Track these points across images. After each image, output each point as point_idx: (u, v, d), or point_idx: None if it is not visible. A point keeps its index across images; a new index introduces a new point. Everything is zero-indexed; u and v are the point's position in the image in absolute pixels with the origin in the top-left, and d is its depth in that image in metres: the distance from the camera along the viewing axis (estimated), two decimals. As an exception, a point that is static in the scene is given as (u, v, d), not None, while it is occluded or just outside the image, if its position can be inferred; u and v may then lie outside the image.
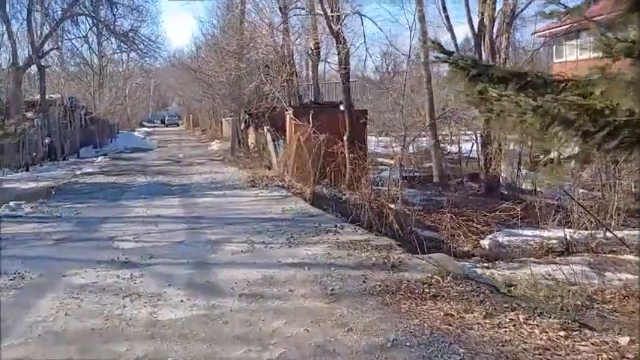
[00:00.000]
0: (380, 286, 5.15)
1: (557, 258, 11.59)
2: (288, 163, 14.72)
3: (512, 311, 4.43)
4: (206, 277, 5.91)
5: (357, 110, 15.82)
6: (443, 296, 4.78)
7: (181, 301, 5.17)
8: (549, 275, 10.07)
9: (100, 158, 23.46)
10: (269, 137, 16.64)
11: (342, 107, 15.41)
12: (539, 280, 7.59)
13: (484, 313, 4.34)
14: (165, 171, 17.56)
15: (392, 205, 13.68)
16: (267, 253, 6.77)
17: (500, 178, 15.87)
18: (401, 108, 14.72)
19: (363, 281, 5.35)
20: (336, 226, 8.11)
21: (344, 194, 13.54)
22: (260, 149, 18.01)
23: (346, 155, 14.24)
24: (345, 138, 14.36)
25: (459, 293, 4.85)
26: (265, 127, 17.27)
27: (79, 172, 18.09)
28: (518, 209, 13.35)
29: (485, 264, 11.21)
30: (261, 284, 5.50)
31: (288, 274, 5.79)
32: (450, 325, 4.17)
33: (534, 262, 11.42)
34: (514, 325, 4.16)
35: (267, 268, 6.08)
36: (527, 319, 4.26)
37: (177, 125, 65.51)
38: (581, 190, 13.66)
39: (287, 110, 16.26)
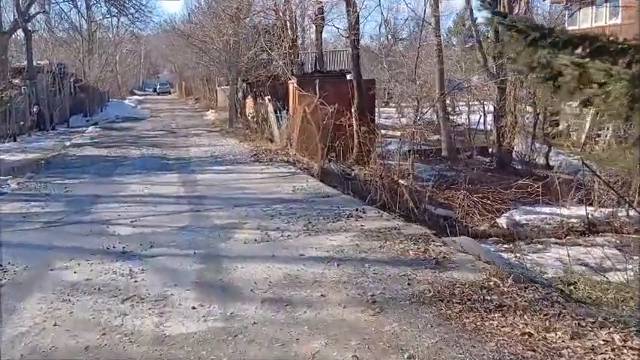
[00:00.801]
0: (430, 290, 4.30)
1: (581, 239, 10.86)
2: (293, 136, 13.77)
3: (602, 328, 3.60)
4: (219, 274, 5.03)
5: (365, 80, 14.84)
6: (510, 307, 3.94)
7: (192, 307, 4.29)
8: (579, 260, 9.33)
9: (90, 128, 22.35)
10: (270, 108, 15.64)
11: (348, 77, 14.45)
12: (591, 276, 6.81)
13: (570, 332, 3.50)
14: (160, 143, 16.54)
15: (402, 181, 12.86)
16: (285, 243, 5.90)
17: (514, 152, 15.04)
18: (414, 77, 13.77)
19: (408, 283, 4.49)
20: (357, 210, 7.23)
21: (353, 170, 12.66)
22: (260, 120, 17.02)
23: (354, 128, 13.34)
24: (353, 110, 13.43)
25: (527, 302, 4.01)
26: (266, 98, 16.26)
27: (68, 144, 17.04)
28: (536, 186, 12.60)
29: (506, 245, 10.47)
30: (286, 286, 4.63)
31: (316, 271, 4.93)
32: (534, 350, 3.33)
33: (557, 244, 10.68)
34: (612, 350, 3.33)
35: (289, 263, 5.21)
36: (624, 341, 3.43)
37: (170, 94, 63.92)
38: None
39: (290, 79, 15.25)
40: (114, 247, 6.10)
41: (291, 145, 13.99)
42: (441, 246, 5.49)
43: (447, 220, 11.86)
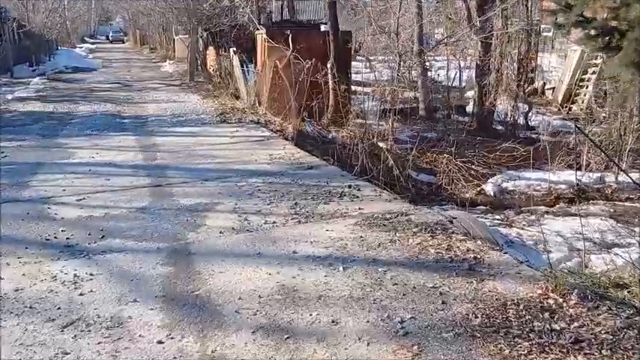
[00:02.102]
0: (475, 314, 3.24)
1: (573, 207, 10.06)
2: (262, 93, 12.40)
3: None
4: (191, 283, 3.85)
5: (341, 32, 13.43)
6: (591, 342, 2.91)
7: (159, 342, 3.12)
8: (578, 234, 8.51)
9: (36, 79, 20.27)
10: (236, 61, 14.13)
11: (323, 28, 13.04)
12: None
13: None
14: (114, 98, 14.85)
15: (382, 144, 11.77)
16: (271, 234, 4.72)
17: (495, 112, 14.07)
18: (396, 29, 12.48)
19: (442, 301, 3.42)
20: (350, 187, 6.07)
21: (329, 132, 11.45)
22: (224, 75, 15.48)
23: (330, 86, 12.06)
24: (329, 65, 12.10)
25: (610, 334, 3.00)
26: (231, 50, 14.71)
27: (10, 97, 15.17)
28: (522, 150, 11.71)
29: (497, 216, 9.59)
30: (282, 303, 3.49)
31: (318, 279, 3.80)
32: None
33: (548, 213, 9.87)
34: None
35: (281, 264, 4.06)
36: None
37: (123, 42, 60.41)
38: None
39: (258, 29, 13.71)
40: (55, 238, 4.83)
41: (259, 103, 12.64)
42: (465, 239, 4.42)
43: (431, 187, 10.91)
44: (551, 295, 3.40)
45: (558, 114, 16.77)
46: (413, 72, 15.30)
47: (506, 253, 4.22)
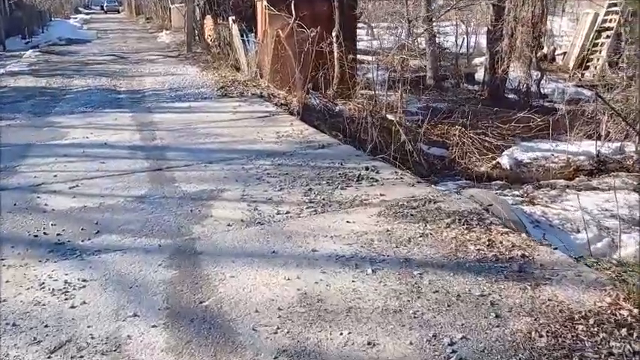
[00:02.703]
0: (539, 333, 2.71)
1: (594, 180, 9.52)
2: (264, 64, 11.72)
3: None
4: (198, 292, 3.31)
5: (346, -2, 12.66)
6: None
7: (165, 373, 2.61)
8: (605, 210, 8.00)
9: (29, 52, 19.48)
10: (235, 30, 13.38)
11: (326, -6, 12.27)
12: None
13: None
14: (109, 71, 14.14)
15: (390, 116, 11.17)
16: (285, 228, 4.18)
17: (508, 80, 13.39)
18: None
19: (495, 315, 2.89)
20: (367, 168, 5.50)
21: (336, 104, 10.82)
22: (223, 45, 14.74)
23: (335, 56, 11.37)
24: (334, 34, 11.40)
25: None
26: (230, 18, 13.94)
27: (2, 71, 14.47)
28: (539, 120, 11.12)
29: (516, 191, 9.05)
30: (306, 318, 2.97)
31: (345, 286, 3.26)
32: None
33: (569, 187, 9.33)
34: None
35: (300, 267, 3.52)
36: None
37: (118, 12, 58.89)
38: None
39: (258, -4, 12.93)
40: (45, 234, 4.29)
41: (261, 75, 11.96)
42: (507, 232, 3.88)
43: (444, 161, 10.35)
44: (624, 304, 2.88)
45: (571, 80, 16.08)
46: (419, 39, 14.59)
47: (556, 248, 3.67)
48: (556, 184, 9.41)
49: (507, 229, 3.92)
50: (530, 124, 11.03)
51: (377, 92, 12.15)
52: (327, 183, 5.15)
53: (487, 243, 3.70)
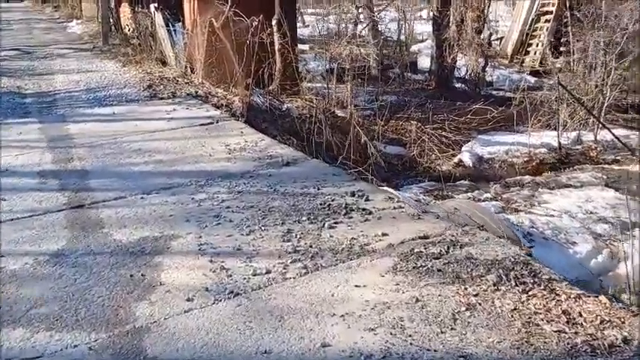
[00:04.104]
0: None
1: (563, 176, 8.86)
2: (195, 58, 10.22)
3: None
4: None
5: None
6: None
7: None
8: (590, 213, 7.28)
9: None
10: (159, 20, 11.73)
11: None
12: None
13: None
14: (11, 69, 12.04)
15: (340, 113, 10.09)
16: (271, 301, 2.93)
17: (456, 69, 12.60)
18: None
19: None
20: (353, 194, 4.31)
21: (282, 102, 9.55)
22: (144, 35, 13.00)
23: (277, 47, 10.08)
24: (274, 23, 10.08)
25: None
26: (152, 5, 12.23)
27: None
28: (497, 112, 10.41)
29: (486, 193, 8.24)
30: None
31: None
32: None
33: (539, 183, 8.62)
34: None
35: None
36: None
37: (22, 1, 54.07)
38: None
39: (183, -19, 11.35)
40: None
41: (192, 70, 10.47)
42: (580, 296, 2.82)
43: (403, 160, 9.39)
44: None
45: (511, 66, 15.60)
46: (359, 26, 13.51)
47: None
48: (523, 180, 8.69)
49: (576, 290, 2.87)
50: (488, 115, 10.28)
51: (317, 85, 11.02)
52: (308, 219, 3.93)
53: (565, 319, 2.63)
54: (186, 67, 10.51)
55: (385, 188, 5.63)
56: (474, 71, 11.86)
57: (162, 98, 8.25)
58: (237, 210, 4.15)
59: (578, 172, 8.86)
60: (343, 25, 13.04)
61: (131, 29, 14.98)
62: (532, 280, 2.95)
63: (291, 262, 3.34)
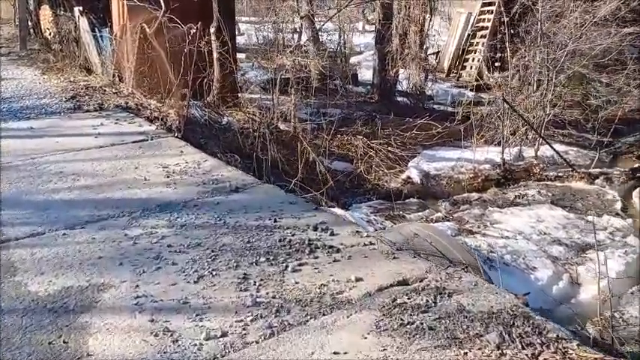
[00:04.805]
0: None
1: (510, 193, 8.73)
2: (124, 66, 9.38)
3: None
4: None
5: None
6: None
7: None
8: (543, 235, 7.12)
9: None
10: (84, 24, 10.76)
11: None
12: None
13: None
14: None
15: (283, 126, 9.58)
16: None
17: (399, 83, 12.36)
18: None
19: None
20: (315, 228, 3.76)
21: (222, 115, 8.90)
22: (67, 41, 11.93)
23: (215, 56, 9.45)
24: (212, 30, 9.44)
25: None
26: (76, 9, 11.22)
27: None
28: (442, 127, 10.21)
29: (438, 212, 7.96)
30: None
31: None
32: None
33: (486, 201, 8.45)
34: None
35: None
36: None
37: None
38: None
39: (110, -17, 10.46)
40: None
41: (121, 79, 9.62)
42: (595, 357, 2.41)
43: (350, 177, 8.95)
44: None
45: (448, 80, 15.60)
46: (304, 36, 13.03)
47: None
48: (470, 198, 8.48)
49: (592, 353, 2.46)
50: (433, 131, 10.06)
51: (264, 97, 10.46)
52: (267, 260, 3.34)
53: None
54: (114, 75, 9.62)
55: (349, 218, 5.16)
56: (416, 85, 11.62)
57: (87, 110, 7.39)
58: (181, 249, 3.51)
59: (524, 189, 8.76)
60: (282, 35, 12.51)
61: (52, 34, 13.78)
62: (539, 340, 2.51)
63: (251, 320, 2.75)
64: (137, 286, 3.10)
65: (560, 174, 9.32)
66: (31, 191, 4.56)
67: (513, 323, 2.62)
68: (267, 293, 2.98)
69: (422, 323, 2.65)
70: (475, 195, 8.62)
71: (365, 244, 3.55)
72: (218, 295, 2.98)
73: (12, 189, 4.62)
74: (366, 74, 14.25)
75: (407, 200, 8.32)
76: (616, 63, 9.79)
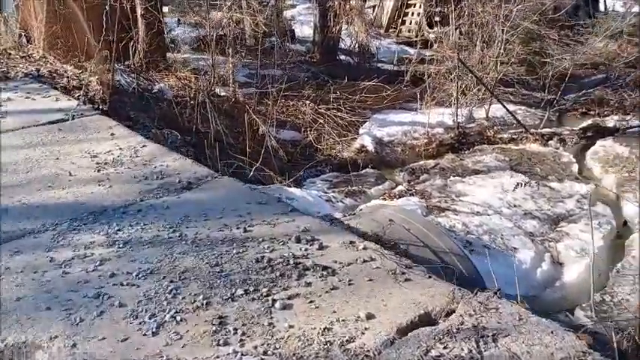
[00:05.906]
0: None
1: (467, 159, 8.27)
2: (32, 24, 7.96)
3: None
4: None
5: None
6: None
7: None
8: (515, 207, 6.70)
9: None
10: (-22, -27, 9.10)
11: None
12: None
13: None
14: None
15: (222, 91, 8.64)
16: None
17: (341, 40, 11.51)
18: None
19: None
20: (299, 240, 2.99)
21: (152, 82, 7.76)
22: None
23: (138, 11, 8.23)
24: (135, -20, 8.16)
25: None
26: (-33, -45, 9.49)
27: None
28: (392, 89, 9.59)
29: (401, 187, 7.35)
30: None
31: None
32: None
33: (445, 169, 7.96)
34: None
35: None
36: None
37: None
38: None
39: None
40: None
41: (28, 40, 8.22)
42: None
43: (298, 147, 8.17)
44: None
45: (387, 36, 14.89)
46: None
47: None
48: (427, 165, 7.94)
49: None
50: (384, 93, 9.41)
51: (195, 57, 9.38)
52: (245, 293, 2.55)
53: None
54: (20, 36, 8.19)
55: (309, 199, 4.42)
56: (360, 43, 10.83)
57: (-13, 81, 6.10)
58: (129, 280, 2.64)
59: (480, 154, 8.31)
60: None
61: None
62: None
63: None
64: (74, 345, 2.24)
65: (514, 136, 8.95)
66: None
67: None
68: (256, 347, 2.21)
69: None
70: (431, 162, 8.10)
71: (364, 260, 2.82)
72: (188, 356, 2.17)
73: None
74: (304, 30, 13.28)
75: (363, 171, 7.67)
76: (569, 20, 9.45)
